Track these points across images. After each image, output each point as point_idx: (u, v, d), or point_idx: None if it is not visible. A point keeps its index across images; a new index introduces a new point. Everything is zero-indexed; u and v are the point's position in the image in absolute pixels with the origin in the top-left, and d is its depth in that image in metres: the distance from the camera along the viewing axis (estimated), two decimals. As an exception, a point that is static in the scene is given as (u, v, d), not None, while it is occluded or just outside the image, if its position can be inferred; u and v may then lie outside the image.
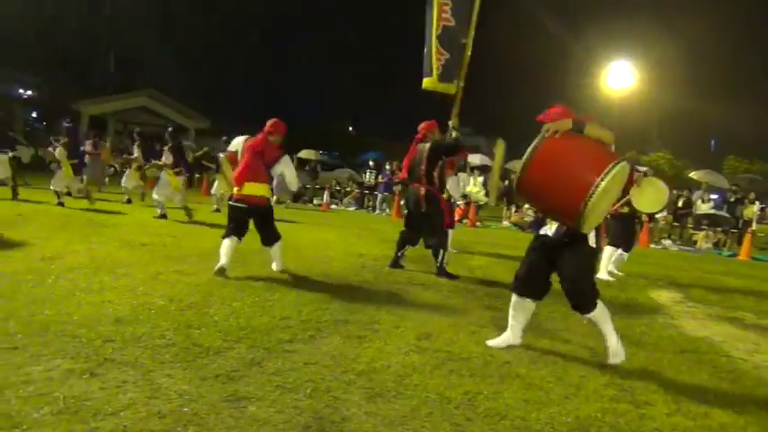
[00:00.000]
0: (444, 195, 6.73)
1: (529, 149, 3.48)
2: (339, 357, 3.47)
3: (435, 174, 6.53)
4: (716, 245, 14.27)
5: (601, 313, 3.79)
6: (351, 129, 57.70)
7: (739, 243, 14.05)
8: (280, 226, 6.23)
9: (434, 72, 6.75)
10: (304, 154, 24.93)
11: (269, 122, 5.86)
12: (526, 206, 15.85)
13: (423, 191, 6.50)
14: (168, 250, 6.75)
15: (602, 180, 3.28)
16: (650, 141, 51.60)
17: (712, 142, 57.00)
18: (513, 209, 15.93)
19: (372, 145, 39.41)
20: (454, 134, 6.63)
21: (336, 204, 17.59)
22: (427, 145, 6.52)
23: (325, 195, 16.85)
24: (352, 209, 16.97)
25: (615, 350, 3.80)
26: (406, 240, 6.86)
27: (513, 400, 3.05)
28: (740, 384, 3.70)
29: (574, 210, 3.37)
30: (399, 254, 6.90)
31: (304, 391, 2.91)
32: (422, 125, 6.67)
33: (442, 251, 6.56)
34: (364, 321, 4.34)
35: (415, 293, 5.58)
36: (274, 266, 5.95)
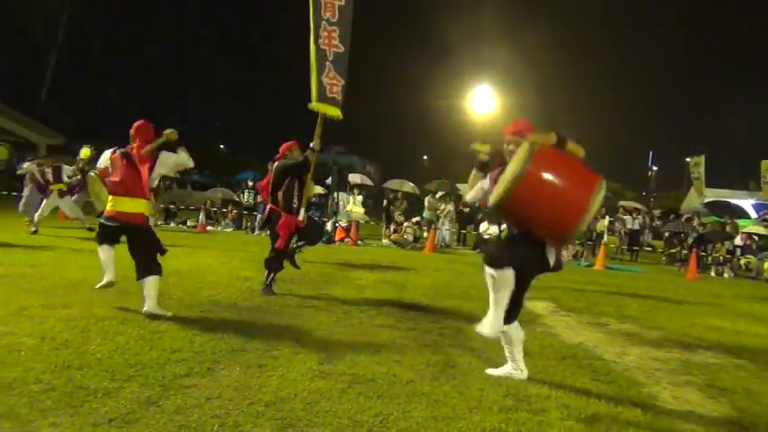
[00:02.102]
0: (300, 216, 6.60)
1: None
2: (242, 389, 3.33)
3: (279, 193, 6.57)
4: (574, 256, 15.62)
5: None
6: (222, 147, 55.96)
7: (594, 254, 15.52)
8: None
9: (315, 95, 6.80)
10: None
11: (132, 127, 5.34)
12: (405, 224, 16.35)
13: (268, 208, 6.73)
14: (29, 282, 6.07)
15: (593, 199, 3.31)
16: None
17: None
18: (393, 227, 16.32)
19: (247, 164, 38.50)
20: (308, 153, 6.61)
21: (212, 226, 16.90)
22: (276, 165, 6.69)
23: (201, 216, 16.10)
24: (229, 230, 16.39)
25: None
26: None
27: (422, 418, 3.11)
28: (616, 385, 4.07)
29: (567, 228, 3.39)
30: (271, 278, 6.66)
31: (211, 429, 2.75)
32: (282, 146, 6.80)
33: (268, 271, 6.58)
34: (262, 349, 4.20)
35: (309, 316, 5.50)
36: (145, 307, 4.97)
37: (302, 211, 6.61)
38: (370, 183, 21.81)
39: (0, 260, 7.38)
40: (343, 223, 15.85)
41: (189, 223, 16.77)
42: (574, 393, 3.74)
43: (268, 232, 7.13)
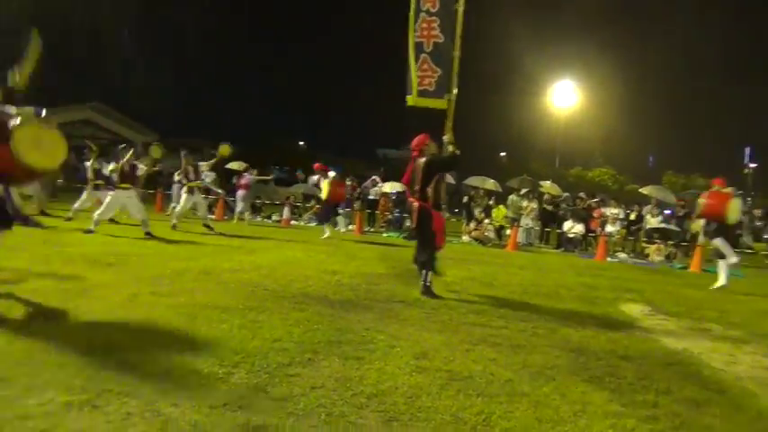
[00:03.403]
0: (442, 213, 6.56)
1: None
2: (343, 380, 3.40)
3: (429, 190, 6.47)
4: (667, 257, 14.84)
5: None
6: (302, 144, 57.42)
7: (688, 255, 14.66)
8: (247, 243, 6.06)
9: (415, 89, 6.79)
10: (235, 165, 24.01)
11: None
12: (486, 221, 16.13)
13: (416, 206, 6.52)
14: (138, 270, 6.48)
15: None
16: (593, 158, 53.61)
17: (650, 159, 59.75)
18: (473, 224, 16.13)
19: (327, 161, 39.27)
20: (451, 148, 6.59)
21: (296, 220, 17.37)
22: (422, 160, 6.51)
23: (286, 211, 16.60)
24: (312, 224, 16.78)
25: None
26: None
27: (525, 419, 3.05)
28: (729, 396, 3.83)
29: None
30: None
31: (318, 417, 2.82)
32: (414, 141, 6.65)
33: (425, 271, 6.50)
34: (357, 341, 4.27)
35: (400, 311, 5.53)
36: None
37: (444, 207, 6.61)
38: (452, 181, 21.63)
39: (109, 250, 7.93)
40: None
41: (273, 218, 17.32)
42: (684, 402, 3.55)
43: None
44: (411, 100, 6.87)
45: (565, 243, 16.11)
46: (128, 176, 9.75)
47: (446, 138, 6.62)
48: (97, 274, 5.97)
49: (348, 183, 17.60)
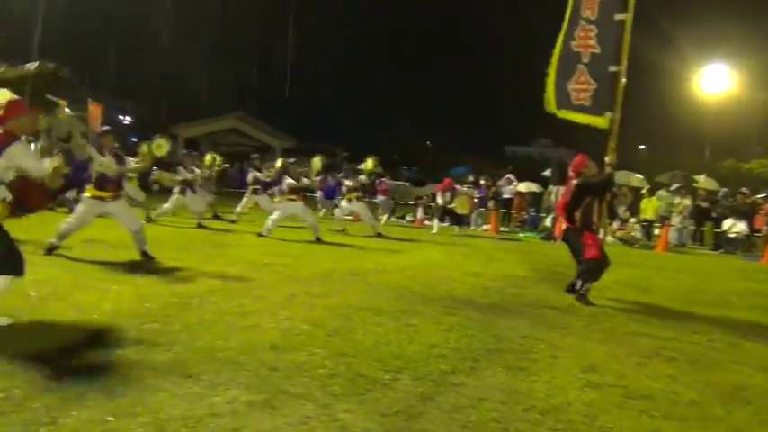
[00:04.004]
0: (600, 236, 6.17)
1: None
2: (511, 392, 3.24)
3: (577, 214, 6.09)
4: None
5: None
6: (429, 144, 57.60)
7: None
8: (386, 245, 6.07)
9: (552, 99, 6.44)
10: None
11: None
12: (632, 220, 15.05)
13: (562, 228, 6.32)
14: (291, 271, 6.77)
15: None
16: (749, 148, 48.02)
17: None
18: (617, 223, 15.11)
19: (457, 160, 39.04)
20: (608, 170, 6.18)
21: (429, 220, 17.36)
22: (574, 182, 6.19)
23: (419, 211, 16.68)
24: (445, 224, 16.67)
25: None
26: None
27: (727, 448, 2.70)
28: None
29: None
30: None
31: (493, 432, 2.69)
32: (573, 163, 6.36)
33: (581, 281, 6.11)
34: (517, 350, 4.09)
35: (554, 318, 5.25)
36: None
37: (602, 231, 6.28)
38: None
39: (264, 251, 8.39)
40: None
41: (407, 218, 17.47)
42: None
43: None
44: (561, 112, 6.48)
45: (724, 244, 14.58)
46: (294, 191, 10.27)
47: (608, 159, 6.18)
48: (256, 275, 6.32)
49: (482, 182, 17.32)
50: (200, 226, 11.03)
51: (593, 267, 6.04)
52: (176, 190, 11.22)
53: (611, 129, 6.29)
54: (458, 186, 15.34)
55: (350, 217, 13.89)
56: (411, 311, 5.00)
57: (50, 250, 6.55)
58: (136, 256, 6.87)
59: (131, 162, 7.34)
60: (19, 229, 8.80)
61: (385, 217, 15.85)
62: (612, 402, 3.18)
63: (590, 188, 6.12)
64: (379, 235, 11.78)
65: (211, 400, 2.83)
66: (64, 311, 4.22)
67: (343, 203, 12.65)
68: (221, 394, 2.90)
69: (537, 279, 7.50)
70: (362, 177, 12.40)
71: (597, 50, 6.29)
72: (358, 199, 12.17)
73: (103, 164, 6.59)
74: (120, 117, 45.23)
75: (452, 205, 14.05)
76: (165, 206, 11.17)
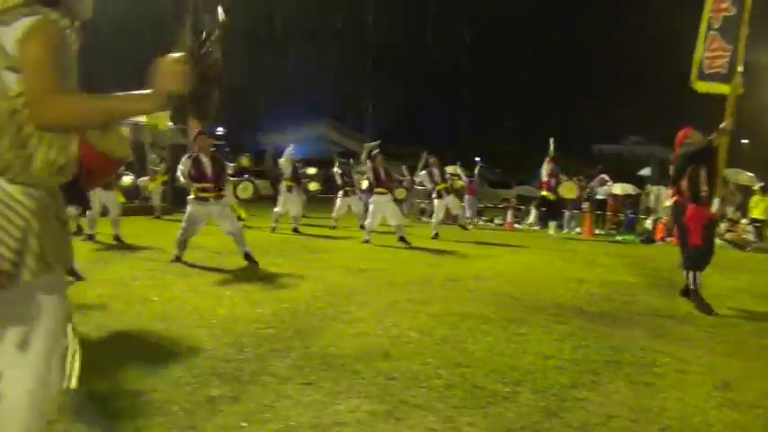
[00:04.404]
0: (714, 208, 5.75)
1: None
2: (640, 410, 3.05)
3: (684, 182, 5.80)
4: None
5: None
6: (508, 145, 56.30)
7: None
8: (479, 250, 5.93)
9: (695, 71, 6.04)
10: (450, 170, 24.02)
11: None
12: (744, 221, 13.99)
13: (672, 202, 5.96)
14: (388, 276, 6.79)
15: None
16: None
17: None
18: (726, 224, 14.08)
19: (540, 160, 37.94)
20: (712, 136, 5.77)
21: (518, 223, 16.99)
22: (676, 152, 5.94)
23: (509, 214, 16.33)
24: (536, 228, 16.23)
25: None
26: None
27: None
28: None
29: None
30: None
31: (629, 454, 2.54)
32: (679, 134, 6.06)
33: (687, 271, 5.74)
34: (638, 363, 3.86)
35: (672, 329, 4.92)
36: None
37: (715, 201, 5.91)
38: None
39: (358, 256, 8.50)
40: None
41: (496, 221, 17.16)
42: None
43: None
44: (697, 85, 6.11)
45: None
46: (382, 182, 10.31)
47: (724, 124, 5.74)
48: (355, 281, 6.39)
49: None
50: (295, 231, 11.33)
51: (693, 255, 5.70)
52: (283, 189, 11.58)
53: (732, 91, 5.82)
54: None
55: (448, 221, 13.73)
56: (518, 320, 4.86)
57: (178, 259, 6.97)
58: (239, 261, 7.15)
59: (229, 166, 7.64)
60: (137, 236, 9.44)
61: (467, 218, 15.66)
62: (758, 425, 2.93)
63: (691, 156, 5.78)
64: (436, 236, 11.55)
65: (335, 408, 2.86)
66: (185, 317, 4.44)
67: (436, 203, 12.50)
68: (343, 403, 2.93)
69: (645, 285, 7.10)
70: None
71: (731, 12, 5.83)
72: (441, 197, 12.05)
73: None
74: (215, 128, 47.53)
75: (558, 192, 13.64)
76: (276, 209, 11.54)
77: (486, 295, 5.91)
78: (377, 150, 10.96)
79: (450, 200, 12.21)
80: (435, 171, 12.20)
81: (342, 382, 3.20)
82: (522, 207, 17.99)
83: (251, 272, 6.64)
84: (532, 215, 16.93)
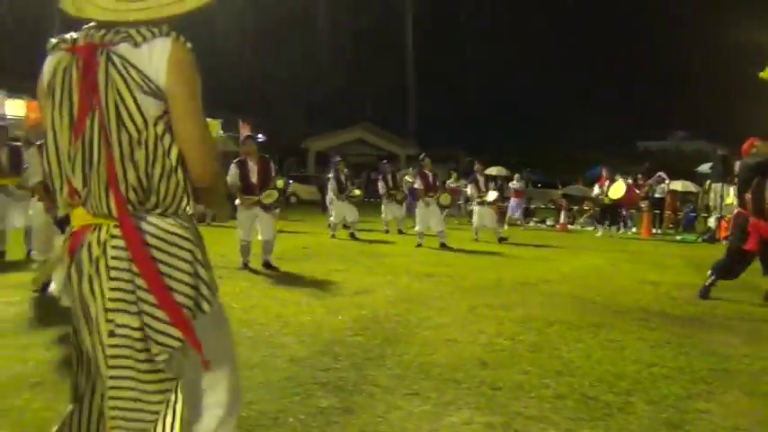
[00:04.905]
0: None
1: None
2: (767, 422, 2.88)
3: (747, 195, 5.67)
4: None
5: None
6: (553, 144, 55.36)
7: None
8: (535, 252, 5.76)
9: None
10: (494, 171, 23.61)
11: None
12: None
13: (735, 213, 5.87)
14: (456, 281, 6.69)
15: None
16: None
17: None
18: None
19: (583, 159, 37.19)
20: None
21: (572, 224, 16.62)
22: (741, 162, 5.85)
23: (562, 215, 16.00)
24: (590, 228, 15.84)
25: None
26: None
27: None
28: None
29: None
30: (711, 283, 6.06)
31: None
32: (745, 144, 6.05)
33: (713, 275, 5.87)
34: (747, 371, 3.67)
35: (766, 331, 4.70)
36: None
37: None
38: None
39: (420, 260, 8.42)
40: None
41: (548, 222, 16.84)
42: None
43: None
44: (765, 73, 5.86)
45: None
46: (430, 187, 10.24)
47: None
48: (425, 286, 6.31)
49: (629, 181, 16.27)
50: (352, 236, 11.30)
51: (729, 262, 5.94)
52: (331, 196, 11.60)
53: None
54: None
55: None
56: (606, 325, 4.70)
57: (245, 266, 7.05)
58: (303, 267, 7.16)
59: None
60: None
61: (515, 217, 15.44)
62: None
63: (756, 167, 5.65)
64: (475, 240, 11.30)
65: (449, 420, 2.78)
66: (270, 324, 4.43)
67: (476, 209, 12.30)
68: (455, 414, 2.84)
69: (724, 287, 6.79)
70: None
71: None
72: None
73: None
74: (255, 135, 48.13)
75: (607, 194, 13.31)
76: (332, 218, 11.55)
77: (563, 299, 5.75)
78: (423, 155, 10.93)
79: (487, 211, 11.95)
80: (481, 179, 12.10)
81: (447, 393, 3.12)
82: (574, 207, 17.58)
83: (320, 277, 6.62)
84: (584, 216, 16.55)
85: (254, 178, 7.08)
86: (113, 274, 1.42)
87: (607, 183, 13.85)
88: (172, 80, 1.42)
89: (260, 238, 7.16)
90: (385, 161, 14.96)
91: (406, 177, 14.47)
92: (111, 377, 1.43)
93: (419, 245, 10.08)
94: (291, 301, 5.28)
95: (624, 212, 14.62)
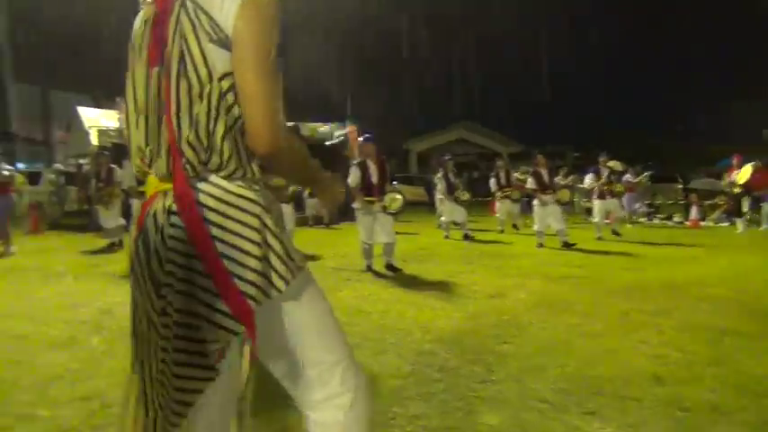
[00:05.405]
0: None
1: None
2: None
3: None
4: None
5: None
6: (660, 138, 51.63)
7: None
8: (666, 252, 5.09)
9: None
10: (611, 164, 22.09)
11: None
12: None
13: None
14: (592, 283, 6.19)
15: None
16: None
17: None
18: None
19: (698, 151, 34.39)
20: None
21: (703, 220, 15.22)
22: None
23: (693, 210, 14.69)
24: (725, 224, 14.39)
25: None
26: None
27: None
28: None
29: None
30: None
31: None
32: None
33: None
34: None
35: None
36: None
37: None
38: None
39: (547, 261, 7.95)
40: None
41: (675, 219, 15.56)
42: None
43: None
44: None
45: None
46: (546, 185, 9.75)
47: None
48: (561, 288, 5.89)
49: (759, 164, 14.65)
50: (465, 237, 11.01)
51: None
52: (440, 196, 11.44)
53: None
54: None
55: (607, 221, 12.65)
56: None
57: (369, 268, 6.99)
58: (427, 268, 6.96)
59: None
60: (315, 246, 9.69)
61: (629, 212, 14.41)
62: None
63: None
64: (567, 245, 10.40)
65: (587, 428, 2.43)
66: (411, 330, 4.25)
67: (596, 203, 11.57)
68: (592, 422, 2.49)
69: None
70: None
71: None
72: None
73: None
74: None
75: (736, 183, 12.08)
76: (443, 218, 11.41)
77: (725, 305, 5.11)
78: (537, 153, 10.43)
79: (612, 203, 11.26)
80: (604, 170, 11.38)
81: (628, 413, 2.76)
82: (705, 202, 16.10)
83: (447, 279, 6.39)
84: (718, 211, 15.10)
85: (374, 179, 6.99)
86: (171, 243, 1.24)
87: (736, 172, 12.56)
88: (240, 21, 1.22)
89: (380, 240, 7.04)
90: (500, 161, 14.38)
91: (517, 175, 13.92)
92: (162, 359, 1.26)
93: (540, 245, 9.60)
94: (425, 305, 5.09)
95: (766, 205, 13.13)
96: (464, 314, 4.74)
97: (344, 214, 11.98)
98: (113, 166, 9.50)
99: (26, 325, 4.46)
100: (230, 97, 1.24)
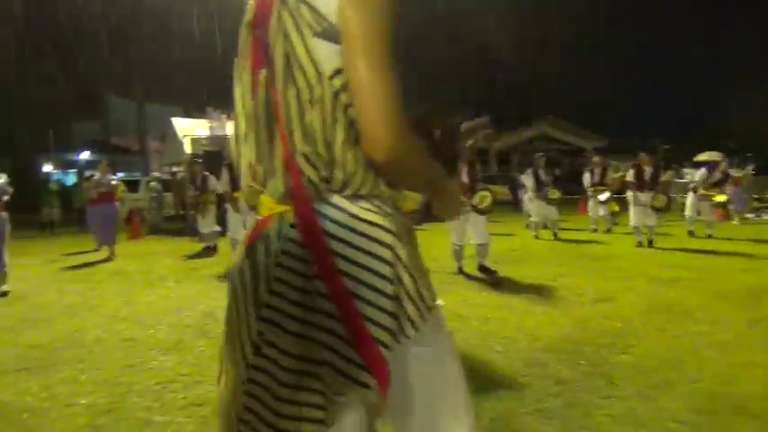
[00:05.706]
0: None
1: None
2: None
3: None
4: None
5: None
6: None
7: None
8: None
9: None
10: (704, 157, 20.46)
11: None
12: None
13: None
14: (707, 286, 5.67)
15: None
16: None
17: None
18: None
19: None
20: None
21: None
22: None
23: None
24: None
25: None
26: None
27: None
28: None
29: None
30: None
31: None
32: None
33: None
34: None
35: None
36: None
37: None
38: None
39: (651, 262, 7.45)
40: None
41: (764, 216, 14.35)
42: None
43: None
44: None
45: None
46: (645, 181, 9.22)
47: None
48: (672, 292, 5.44)
49: None
50: (555, 237, 10.57)
51: None
52: (528, 195, 11.12)
53: None
54: None
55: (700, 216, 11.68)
56: None
57: (460, 270, 6.86)
58: (520, 271, 6.69)
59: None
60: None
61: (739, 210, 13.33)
62: None
63: None
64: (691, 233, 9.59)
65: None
66: (517, 337, 4.04)
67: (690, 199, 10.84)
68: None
69: None
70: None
71: None
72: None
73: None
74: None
75: None
76: (533, 219, 11.11)
77: None
78: (640, 150, 9.87)
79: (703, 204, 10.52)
80: (717, 174, 10.67)
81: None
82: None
83: (545, 282, 6.08)
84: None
85: (464, 178, 6.78)
86: (279, 273, 1.06)
87: None
88: (349, 7, 1.03)
89: (473, 241, 6.81)
90: (595, 157, 13.62)
91: (613, 174, 13.22)
92: (246, 397, 1.08)
93: (639, 243, 9.05)
94: (526, 310, 4.84)
95: None
96: (571, 320, 4.46)
97: (428, 214, 11.80)
98: (207, 173, 9.83)
99: (134, 329, 4.61)
100: (345, 97, 1.07)
